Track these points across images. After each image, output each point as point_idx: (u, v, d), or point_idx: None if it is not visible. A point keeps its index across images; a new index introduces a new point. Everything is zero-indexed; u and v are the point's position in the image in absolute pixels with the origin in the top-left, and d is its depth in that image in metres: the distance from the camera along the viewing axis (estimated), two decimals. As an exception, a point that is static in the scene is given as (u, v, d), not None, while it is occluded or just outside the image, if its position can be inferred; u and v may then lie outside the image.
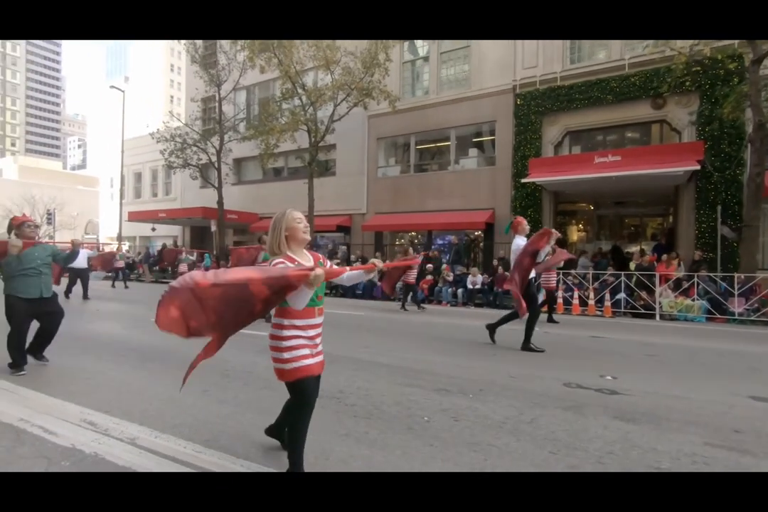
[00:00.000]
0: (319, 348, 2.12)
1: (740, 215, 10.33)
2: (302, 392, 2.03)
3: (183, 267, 14.34)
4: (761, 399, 3.38)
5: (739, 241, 10.01)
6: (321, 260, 2.16)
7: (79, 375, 3.95)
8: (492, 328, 5.61)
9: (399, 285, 10.11)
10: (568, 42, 13.75)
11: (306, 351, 2.02)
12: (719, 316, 8.73)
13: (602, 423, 2.82)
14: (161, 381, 3.79)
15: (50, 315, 4.11)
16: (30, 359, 4.12)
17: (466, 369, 4.18)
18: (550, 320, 8.06)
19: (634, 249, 13.09)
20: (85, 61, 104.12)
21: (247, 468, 2.22)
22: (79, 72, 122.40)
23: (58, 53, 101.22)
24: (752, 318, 8.43)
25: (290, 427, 2.11)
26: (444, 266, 12.11)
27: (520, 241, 5.36)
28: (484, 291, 11.01)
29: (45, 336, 4.18)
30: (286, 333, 2.02)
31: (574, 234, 15.87)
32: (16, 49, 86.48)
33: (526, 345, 5.20)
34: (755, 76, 9.34)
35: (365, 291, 12.54)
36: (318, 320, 2.08)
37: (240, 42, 15.29)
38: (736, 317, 8.54)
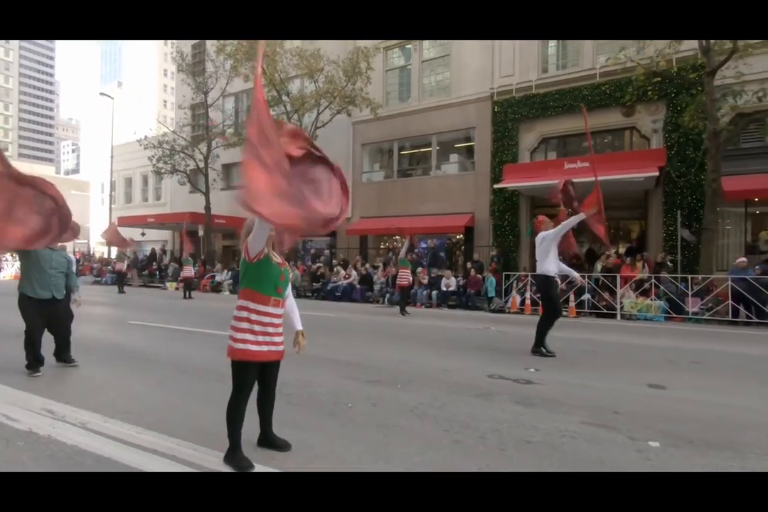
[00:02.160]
0: (275, 339, 2.31)
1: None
2: (240, 373, 2.28)
3: (188, 271, 13.68)
4: (656, 387, 3.78)
5: (699, 244, 10.46)
6: (287, 266, 2.47)
7: (48, 371, 4.28)
8: (537, 347, 5.17)
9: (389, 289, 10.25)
10: (542, 51, 14.26)
11: (251, 337, 2.23)
12: (676, 316, 9.16)
13: (502, 407, 3.21)
14: (122, 376, 4.14)
15: (57, 322, 4.36)
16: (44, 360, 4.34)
17: (407, 364, 4.57)
18: None
19: (612, 251, 13.58)
20: (79, 66, 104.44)
21: (178, 444, 2.58)
22: (73, 76, 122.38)
23: (51, 58, 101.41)
24: (705, 317, 8.86)
25: (228, 407, 2.31)
26: (420, 269, 12.49)
27: (546, 232, 5.25)
28: (457, 293, 11.40)
29: (57, 340, 4.43)
30: (241, 314, 2.27)
31: (554, 237, 16.27)
32: (9, 53, 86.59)
33: (537, 349, 5.07)
34: (710, 86, 9.84)
35: (344, 294, 12.90)
36: (272, 310, 2.29)
37: (226, 51, 15.66)
38: (691, 316, 8.97)
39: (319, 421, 2.95)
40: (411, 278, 9.94)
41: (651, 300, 9.50)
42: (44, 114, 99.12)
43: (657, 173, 10.52)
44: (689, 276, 9.40)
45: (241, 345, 2.24)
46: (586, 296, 9.94)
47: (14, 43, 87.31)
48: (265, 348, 2.29)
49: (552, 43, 14.22)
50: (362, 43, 16.02)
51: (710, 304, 9.05)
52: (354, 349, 5.43)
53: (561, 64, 14.12)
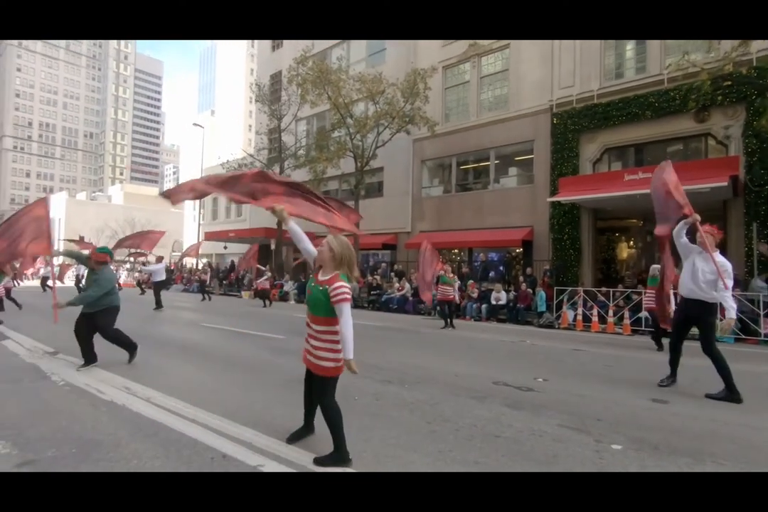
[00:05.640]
0: None
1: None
2: (334, 384, 2.55)
3: (264, 283, 15.07)
4: (658, 401, 3.79)
5: (778, 259, 9.54)
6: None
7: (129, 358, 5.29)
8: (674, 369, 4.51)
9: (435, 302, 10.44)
10: (604, 60, 13.95)
11: (339, 355, 2.49)
12: (749, 337, 8.42)
13: (490, 408, 3.50)
14: (185, 365, 5.03)
15: (99, 331, 4.93)
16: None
17: (422, 369, 4.95)
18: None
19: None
20: (180, 97, 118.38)
21: (210, 416, 3.26)
22: (175, 106, 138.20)
23: (159, 92, 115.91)
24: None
25: (335, 414, 2.57)
26: (470, 282, 12.63)
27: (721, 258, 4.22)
28: (508, 307, 11.38)
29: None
30: (334, 338, 2.48)
31: (624, 251, 15.56)
32: (126, 91, 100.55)
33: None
34: (787, 88, 9.09)
35: (398, 306, 13.40)
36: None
37: (296, 80, 17.18)
38: (765, 338, 8.21)
39: (326, 408, 3.48)
40: (453, 294, 9.83)
41: (718, 320, 8.79)
42: (152, 141, 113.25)
43: (725, 183, 9.80)
44: (761, 295, 8.62)
45: (338, 363, 2.51)
46: (644, 313, 9.46)
47: (130, 82, 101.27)
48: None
49: (614, 51, 13.86)
50: (420, 65, 16.78)
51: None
52: (380, 354, 5.89)
53: (624, 72, 13.69)
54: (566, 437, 2.91)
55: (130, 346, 5.12)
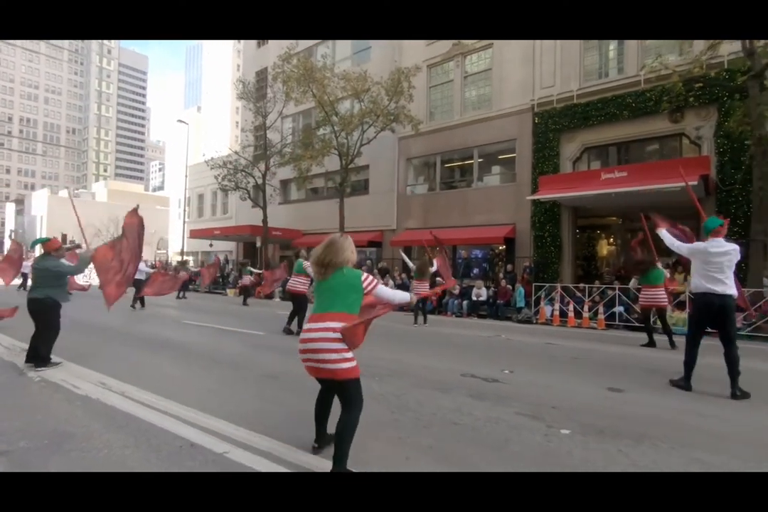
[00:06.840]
0: None
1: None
2: (359, 387, 2.42)
3: (246, 279, 15.41)
4: (614, 391, 4.00)
5: (746, 256, 9.89)
6: None
7: (109, 355, 5.36)
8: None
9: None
10: (584, 61, 14.22)
11: (353, 354, 2.40)
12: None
13: (453, 398, 3.67)
14: (164, 361, 5.11)
15: None
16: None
17: (394, 362, 5.11)
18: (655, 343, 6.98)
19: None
20: (166, 93, 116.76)
21: (185, 409, 3.37)
22: (161, 102, 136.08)
23: (144, 87, 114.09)
24: (744, 333, 8.41)
25: (351, 425, 2.40)
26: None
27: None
28: (488, 303, 11.61)
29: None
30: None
31: (604, 248, 15.89)
32: (110, 87, 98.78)
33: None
34: (754, 90, 9.42)
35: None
36: None
37: (281, 77, 17.15)
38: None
39: (297, 400, 3.62)
40: (426, 290, 9.26)
41: (688, 314, 9.13)
42: (137, 138, 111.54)
43: (695, 182, 10.12)
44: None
45: (354, 362, 2.40)
46: (618, 308, 9.77)
47: (114, 77, 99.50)
48: None
49: (594, 52, 14.14)
50: (405, 63, 16.89)
51: (753, 320, 8.57)
52: (359, 350, 6.04)
53: (603, 73, 13.98)
54: (521, 424, 3.08)
55: (36, 356, 4.71)
